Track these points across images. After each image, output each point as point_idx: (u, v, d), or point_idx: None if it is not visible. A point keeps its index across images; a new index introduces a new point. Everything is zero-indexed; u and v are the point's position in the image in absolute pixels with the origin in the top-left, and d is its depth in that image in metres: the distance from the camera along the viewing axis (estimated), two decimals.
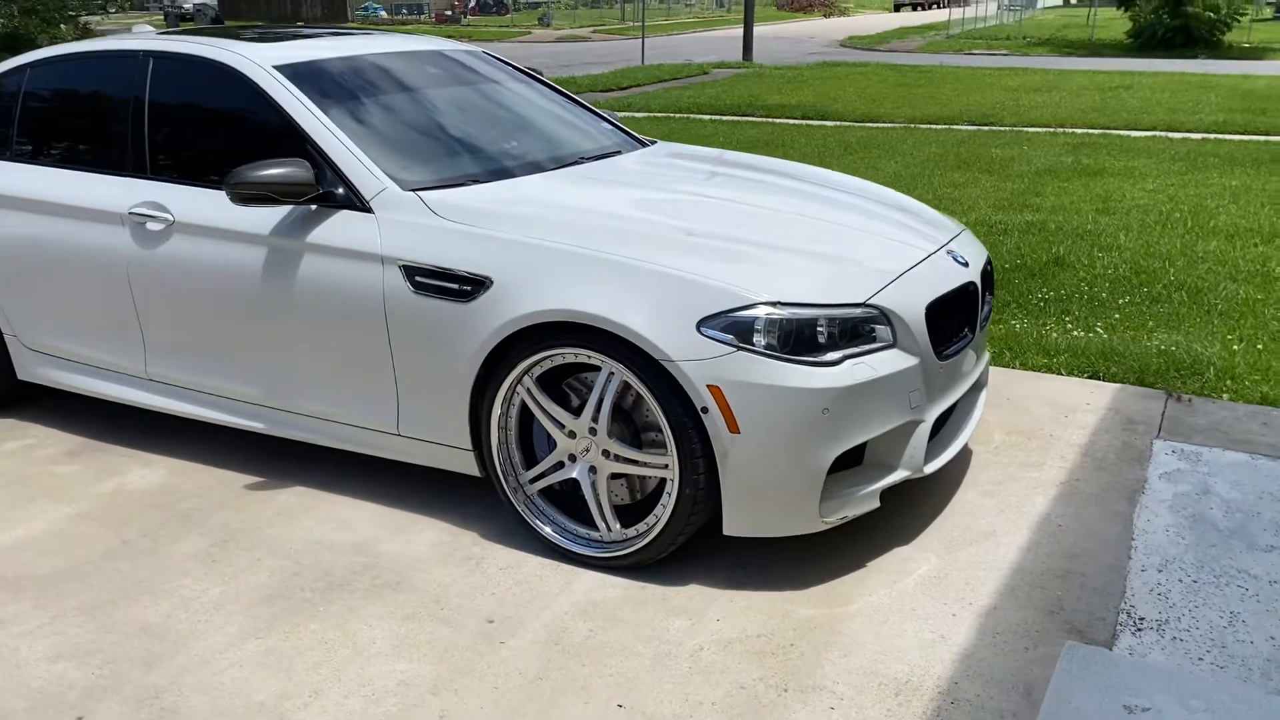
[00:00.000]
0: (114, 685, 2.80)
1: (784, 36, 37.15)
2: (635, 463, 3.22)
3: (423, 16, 48.83)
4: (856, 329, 3.11)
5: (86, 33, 13.39)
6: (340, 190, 3.56)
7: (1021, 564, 3.31)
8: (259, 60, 3.87)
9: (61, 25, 12.92)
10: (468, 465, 3.52)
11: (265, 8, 46.97)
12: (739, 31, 33.33)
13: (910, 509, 3.65)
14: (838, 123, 14.20)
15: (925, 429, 3.29)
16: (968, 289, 3.50)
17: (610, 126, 4.75)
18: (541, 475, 3.40)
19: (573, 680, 2.79)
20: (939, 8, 59.38)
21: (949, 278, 3.43)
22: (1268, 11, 40.65)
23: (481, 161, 3.96)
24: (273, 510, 3.73)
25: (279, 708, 2.70)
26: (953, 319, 3.42)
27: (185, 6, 43.27)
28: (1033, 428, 4.32)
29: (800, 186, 4.07)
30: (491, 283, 3.26)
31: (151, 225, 3.90)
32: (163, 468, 4.08)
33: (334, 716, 2.67)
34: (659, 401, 3.06)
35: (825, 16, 53.58)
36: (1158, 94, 16.39)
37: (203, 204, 3.81)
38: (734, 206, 3.69)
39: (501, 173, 3.86)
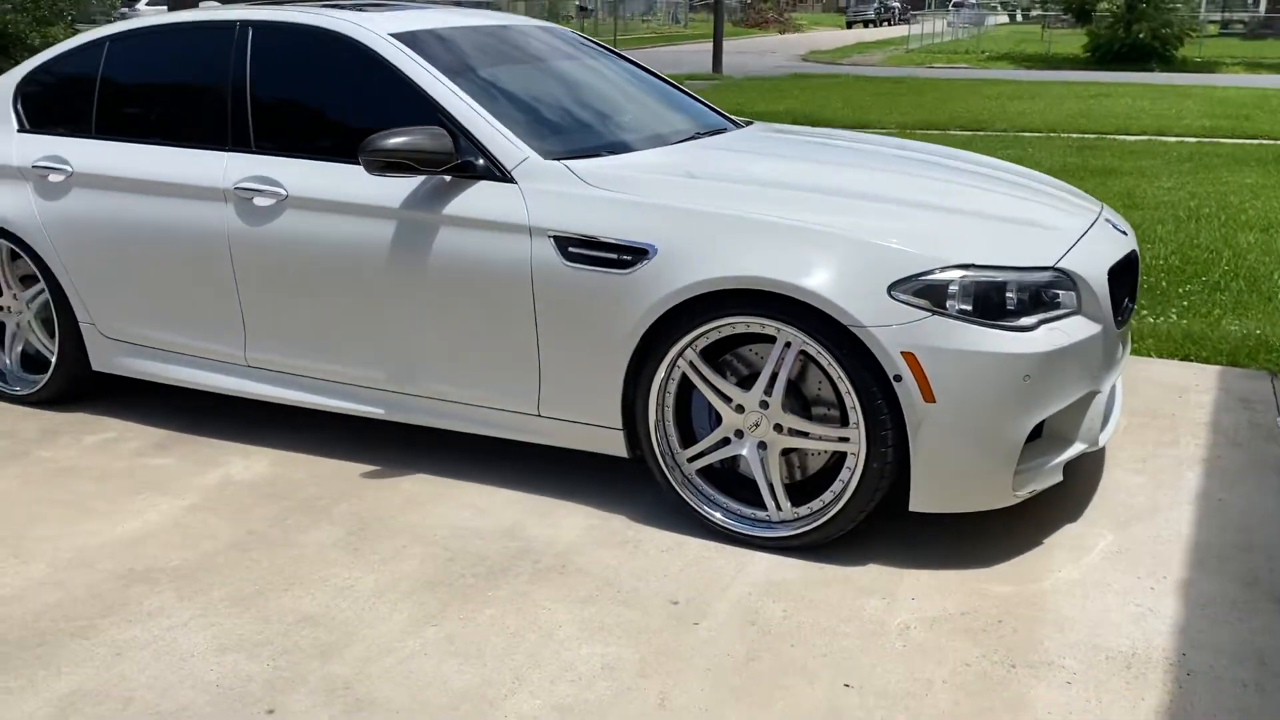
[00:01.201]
0: (295, 677, 2.60)
1: (746, 51, 37.27)
2: (812, 436, 3.08)
3: None
4: (1044, 294, 3.01)
5: (75, 33, 13.00)
6: (480, 160, 3.39)
7: (1199, 538, 3.22)
8: (376, 29, 3.70)
9: (54, 25, 12.56)
10: (615, 446, 3.36)
11: None
12: (699, 46, 33.45)
13: (1062, 487, 3.54)
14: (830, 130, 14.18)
15: (1102, 400, 3.19)
16: (1131, 257, 3.42)
17: (703, 105, 4.63)
18: (701, 454, 3.24)
19: (788, 661, 2.64)
20: (889, 25, 60.23)
21: (1116, 245, 3.35)
22: (1213, 29, 41.64)
23: (605, 133, 3.83)
24: (400, 498, 3.54)
25: (483, 695, 2.52)
26: (1120, 287, 3.33)
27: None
28: (1152, 407, 4.25)
29: (932, 158, 3.98)
30: (655, 251, 3.11)
31: (259, 200, 3.69)
32: (265, 458, 3.87)
33: (546, 702, 2.49)
34: (846, 371, 2.93)
35: (780, 32, 53.90)
36: (1138, 101, 16.64)
37: (319, 177, 3.62)
38: (884, 174, 3.59)
39: (629, 144, 3.73)
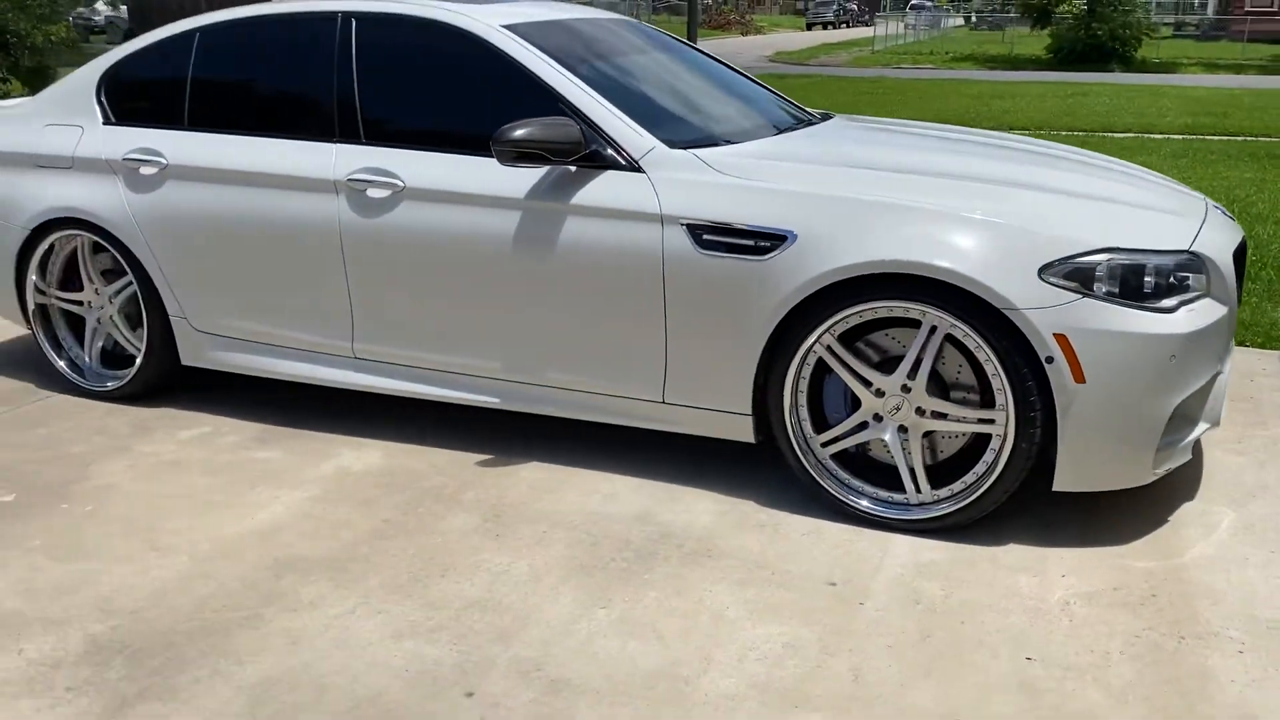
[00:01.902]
0: (482, 660, 2.61)
1: (712, 52, 37.43)
2: (952, 418, 3.14)
3: None
4: (1179, 277, 3.08)
5: (75, 31, 12.82)
6: (606, 150, 3.42)
7: None
8: (489, 21, 3.71)
9: (55, 24, 12.34)
10: (742, 431, 3.40)
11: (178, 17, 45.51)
12: None
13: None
14: None
15: (1225, 380, 3.28)
16: (1242, 243, 3.51)
17: (779, 96, 4.69)
18: (836, 439, 3.29)
19: (963, 637, 2.70)
20: (848, 26, 60.83)
21: (1231, 231, 3.45)
22: (1166, 31, 42.47)
23: (713, 122, 3.87)
24: (524, 486, 3.55)
25: (676, 674, 2.55)
26: (1236, 271, 3.42)
27: (95, 20, 41.75)
28: (1230, 391, 4.36)
29: (1028, 147, 4.05)
30: (794, 237, 3.15)
31: (373, 192, 3.69)
32: (376, 450, 3.86)
33: (741, 681, 2.53)
34: (996, 353, 2.99)
35: (743, 34, 54.12)
36: (1116, 100, 16.95)
37: (438, 168, 3.62)
38: (999, 162, 3.66)
39: (739, 133, 3.77)
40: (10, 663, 2.62)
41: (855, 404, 3.28)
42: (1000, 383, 3.03)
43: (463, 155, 3.60)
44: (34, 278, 4.41)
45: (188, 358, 4.23)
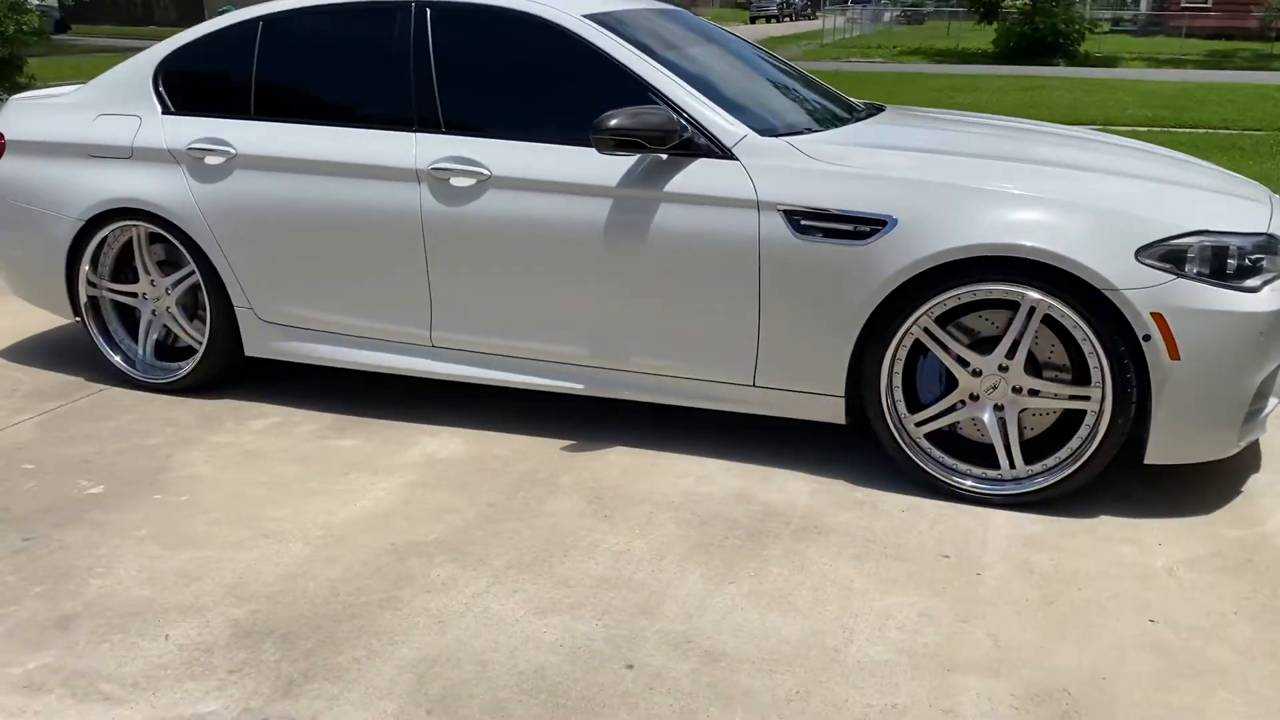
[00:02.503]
0: (632, 634, 2.68)
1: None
2: (1045, 395, 3.26)
3: None
4: (1255, 257, 3.23)
5: (47, 20, 12.50)
6: (699, 138, 3.49)
7: None
8: (571, 11, 3.75)
9: (29, 12, 12.03)
10: (833, 413, 3.49)
11: (113, 10, 44.63)
12: None
13: None
14: None
15: None
16: None
17: (828, 87, 4.78)
18: (932, 418, 3.40)
19: (1084, 602, 2.82)
20: (791, 20, 61.35)
21: None
22: (1105, 26, 43.47)
23: (789, 110, 3.95)
24: (615, 470, 3.61)
25: (823, 643, 2.64)
26: None
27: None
28: None
29: (1088, 136, 4.20)
30: (895, 222, 3.25)
31: (457, 181, 3.72)
32: (456, 437, 3.89)
33: (888, 648, 2.62)
34: (1094, 331, 3.12)
35: None
36: (1074, 93, 17.35)
37: (524, 157, 3.66)
38: (1071, 149, 3.79)
39: (818, 122, 3.86)
40: (161, 648, 2.63)
41: (948, 384, 3.39)
42: (1097, 361, 3.16)
43: (548, 144, 3.64)
44: (86, 269, 4.37)
45: (252, 349, 4.23)
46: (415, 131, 3.82)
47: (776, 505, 3.36)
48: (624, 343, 3.66)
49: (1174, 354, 3.07)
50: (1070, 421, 3.30)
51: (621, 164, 3.54)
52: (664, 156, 3.50)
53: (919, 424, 3.41)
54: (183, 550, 3.11)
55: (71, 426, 4.02)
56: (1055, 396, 3.26)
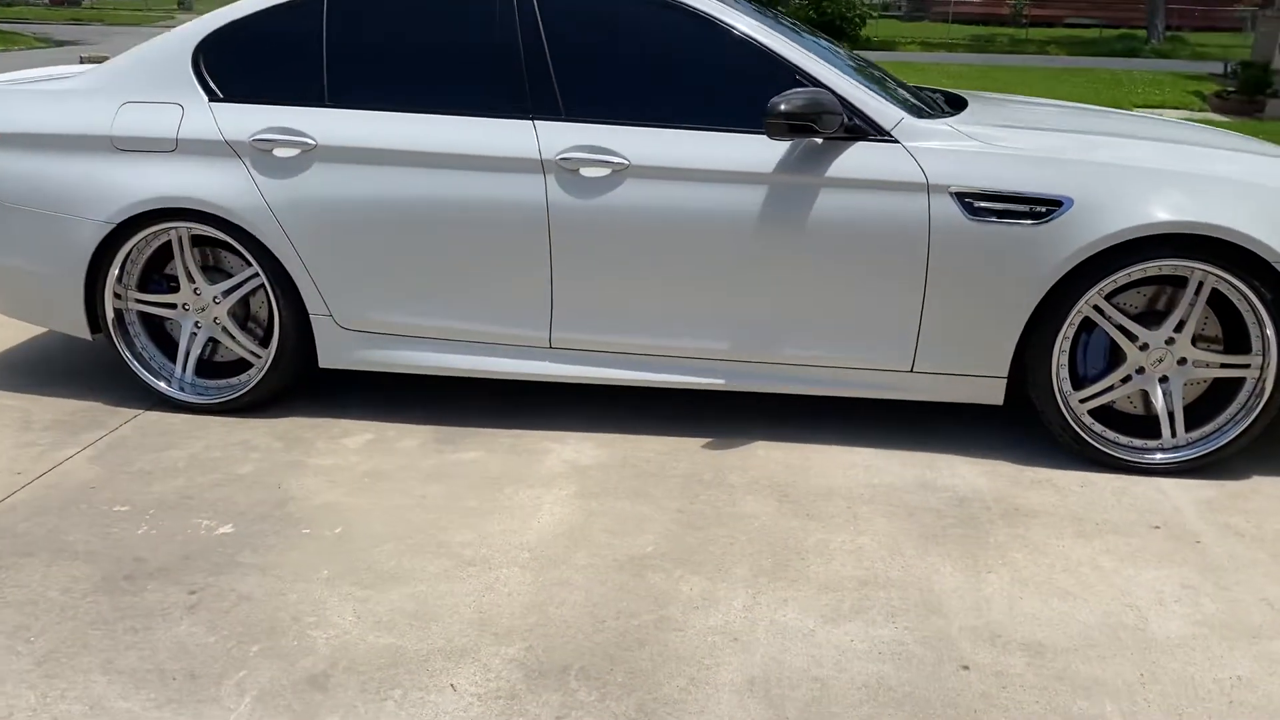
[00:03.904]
0: (935, 634, 2.61)
1: None
2: (1210, 366, 3.40)
3: None
4: None
5: None
6: (857, 121, 3.42)
7: None
8: None
9: None
10: (993, 395, 3.52)
11: None
12: None
13: None
14: None
15: None
16: None
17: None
18: (1099, 393, 3.47)
19: None
20: None
21: None
22: (875, 11, 45.77)
23: (910, 96, 3.93)
24: (777, 465, 3.51)
25: (1122, 623, 2.66)
26: None
27: None
28: None
29: (1162, 118, 4.38)
30: (1070, 203, 3.29)
31: (589, 171, 3.50)
32: (585, 441, 3.68)
33: (1184, 621, 2.67)
34: (1264, 303, 3.27)
35: None
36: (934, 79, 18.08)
37: (663, 145, 3.48)
38: (1177, 129, 3.95)
39: (931, 106, 3.87)
40: (457, 701, 2.36)
41: (1112, 360, 3.47)
42: (1259, 330, 3.31)
43: (689, 131, 3.48)
44: (113, 279, 3.86)
45: (328, 359, 3.85)
46: (532, 118, 3.57)
47: (962, 491, 3.35)
48: (771, 334, 3.55)
49: None
50: (1222, 391, 3.45)
51: (776, 149, 3.42)
52: (819, 141, 3.41)
53: (1082, 400, 3.48)
54: (387, 589, 2.80)
55: (135, 460, 3.54)
56: (1224, 366, 3.40)
